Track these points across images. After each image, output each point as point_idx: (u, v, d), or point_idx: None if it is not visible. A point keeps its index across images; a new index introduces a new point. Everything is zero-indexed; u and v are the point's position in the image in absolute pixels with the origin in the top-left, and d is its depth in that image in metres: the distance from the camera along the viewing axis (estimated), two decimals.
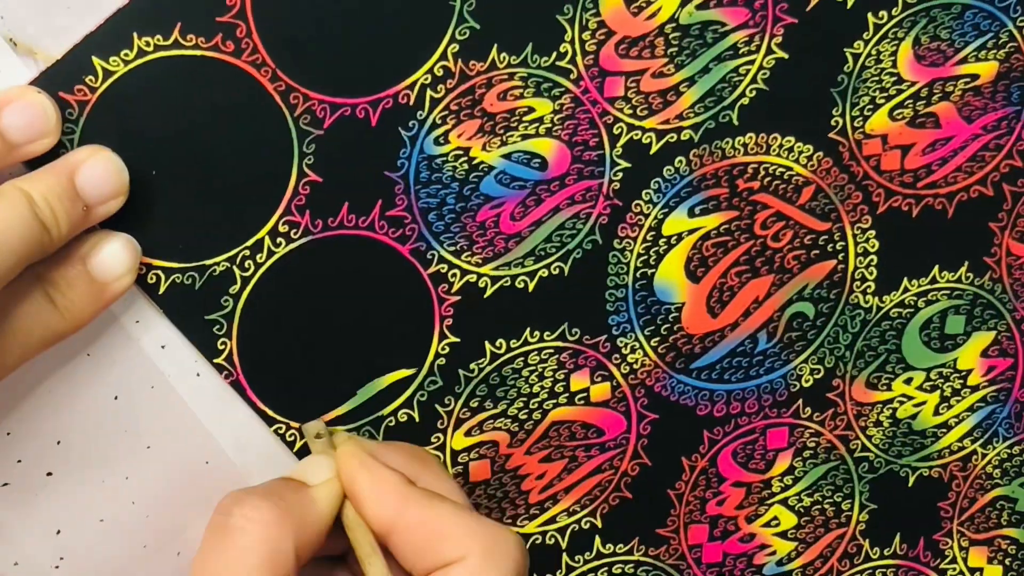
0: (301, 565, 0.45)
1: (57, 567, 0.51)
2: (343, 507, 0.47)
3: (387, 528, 0.46)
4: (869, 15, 0.52)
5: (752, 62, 0.52)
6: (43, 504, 0.50)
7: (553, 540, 0.57)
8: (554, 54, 0.50)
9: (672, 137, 0.52)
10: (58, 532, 0.50)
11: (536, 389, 0.54)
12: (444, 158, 0.50)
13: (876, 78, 0.53)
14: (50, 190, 0.44)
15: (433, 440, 0.54)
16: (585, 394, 0.55)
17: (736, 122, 0.52)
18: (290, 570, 0.44)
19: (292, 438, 0.52)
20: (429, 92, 0.49)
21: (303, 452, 0.51)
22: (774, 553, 0.59)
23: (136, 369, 0.50)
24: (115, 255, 0.47)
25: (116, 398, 0.50)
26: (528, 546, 0.52)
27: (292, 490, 0.46)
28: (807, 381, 0.57)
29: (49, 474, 0.50)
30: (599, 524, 0.57)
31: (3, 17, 0.45)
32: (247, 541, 0.44)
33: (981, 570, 0.62)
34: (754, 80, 0.52)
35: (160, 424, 0.50)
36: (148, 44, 0.46)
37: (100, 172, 0.45)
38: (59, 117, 0.45)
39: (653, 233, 0.53)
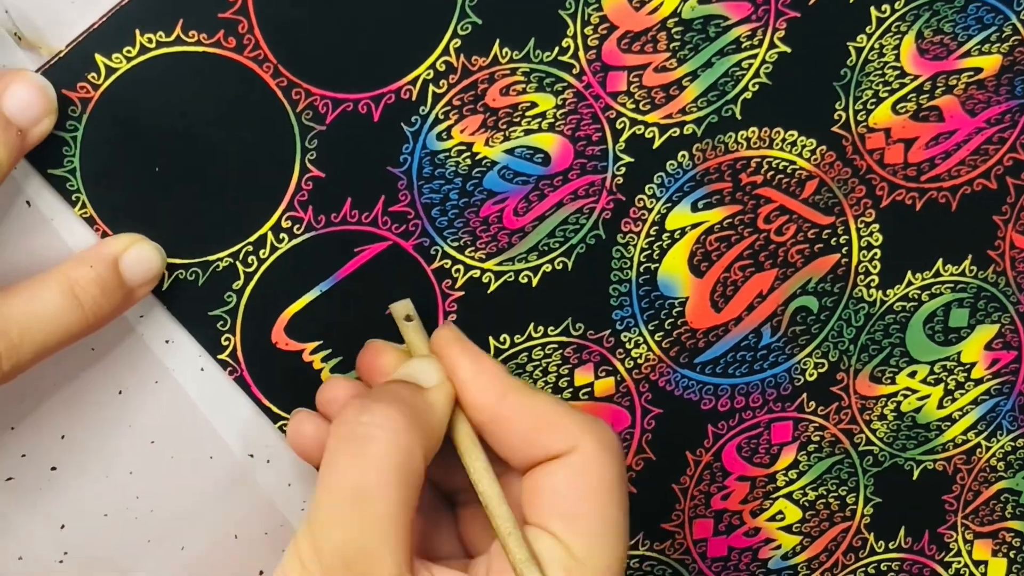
0: (426, 470, 0.44)
1: (61, 561, 0.51)
2: (457, 426, 0.46)
3: (489, 415, 0.46)
4: (872, 9, 0.52)
5: (755, 56, 0.52)
6: (47, 499, 0.50)
7: None
8: (556, 49, 0.50)
9: (675, 131, 0.52)
10: (62, 526, 0.51)
11: (540, 384, 0.54)
12: (447, 153, 0.50)
13: (879, 72, 0.53)
14: None
15: None
16: (589, 389, 0.55)
17: (739, 116, 0.52)
18: (420, 476, 0.43)
19: None
20: (431, 87, 0.49)
21: None
22: (779, 547, 0.59)
23: (140, 364, 0.50)
24: (147, 259, 0.47)
25: (120, 393, 0.50)
26: None
27: (412, 394, 0.45)
28: (811, 375, 0.57)
29: (53, 468, 0.50)
30: None
31: (8, 11, 0.45)
32: (380, 449, 0.42)
33: (986, 563, 0.62)
34: (757, 74, 0.52)
35: (164, 419, 0.51)
36: (150, 41, 0.46)
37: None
38: (55, 95, 0.45)
39: (656, 228, 0.53)
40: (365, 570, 0.42)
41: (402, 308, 0.50)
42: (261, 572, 0.54)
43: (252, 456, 0.52)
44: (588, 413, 0.46)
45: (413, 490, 0.43)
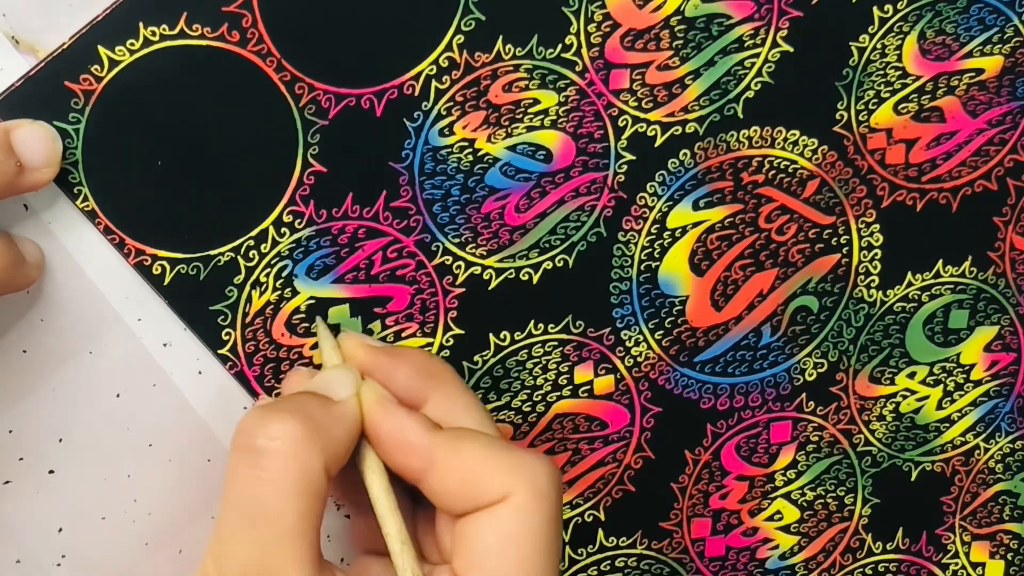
0: (330, 483, 0.43)
1: (59, 565, 0.51)
2: (363, 452, 0.45)
3: (417, 476, 0.45)
4: (874, 9, 0.52)
5: (757, 55, 0.52)
6: (45, 502, 0.50)
7: None
8: (559, 46, 0.50)
9: (677, 130, 0.52)
10: (60, 530, 0.50)
11: (540, 382, 0.54)
12: (449, 149, 0.50)
13: (881, 72, 0.53)
14: None
15: None
16: (589, 387, 0.55)
17: (741, 115, 0.52)
18: (322, 489, 0.42)
19: None
20: (434, 83, 0.49)
21: None
22: (777, 547, 0.59)
23: (138, 367, 0.50)
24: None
25: (118, 396, 0.50)
26: None
27: (317, 406, 0.44)
28: (810, 375, 0.57)
29: (51, 472, 0.50)
30: (602, 517, 0.57)
31: (5, 15, 0.45)
32: (277, 464, 0.42)
33: (983, 565, 0.62)
34: (759, 73, 0.52)
35: (162, 422, 0.50)
36: (154, 34, 0.46)
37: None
38: (61, 152, 0.45)
39: (657, 226, 0.53)
40: None
41: (320, 321, 0.49)
42: None
43: None
44: (528, 451, 0.45)
45: (314, 505, 0.42)
